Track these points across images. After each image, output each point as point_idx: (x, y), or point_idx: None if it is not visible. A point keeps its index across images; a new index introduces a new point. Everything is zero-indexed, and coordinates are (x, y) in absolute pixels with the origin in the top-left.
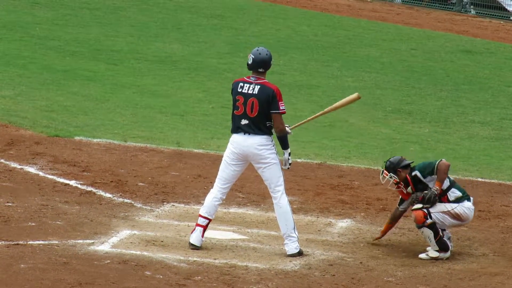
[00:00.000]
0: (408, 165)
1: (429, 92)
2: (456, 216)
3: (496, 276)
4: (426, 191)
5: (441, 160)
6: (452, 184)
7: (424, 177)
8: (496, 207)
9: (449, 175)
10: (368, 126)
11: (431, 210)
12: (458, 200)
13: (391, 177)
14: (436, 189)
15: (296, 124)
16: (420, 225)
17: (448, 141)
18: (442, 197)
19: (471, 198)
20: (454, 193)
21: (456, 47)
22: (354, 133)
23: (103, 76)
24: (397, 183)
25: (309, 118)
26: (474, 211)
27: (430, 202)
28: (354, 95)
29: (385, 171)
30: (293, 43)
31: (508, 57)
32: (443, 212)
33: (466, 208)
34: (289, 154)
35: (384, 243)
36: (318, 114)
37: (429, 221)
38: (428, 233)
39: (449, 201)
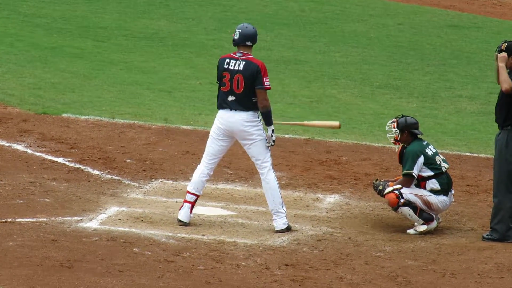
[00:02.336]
0: (415, 135)
1: (416, 67)
2: (426, 204)
3: (484, 250)
4: (382, 184)
5: (411, 176)
6: (436, 176)
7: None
8: (484, 182)
9: (442, 164)
10: (356, 101)
11: (403, 191)
12: (434, 192)
13: (395, 132)
14: (388, 186)
15: (279, 122)
16: (395, 207)
17: (436, 116)
18: (420, 182)
19: (452, 191)
20: (432, 185)
21: (443, 22)
22: (341, 108)
23: (90, 53)
24: (396, 140)
25: (286, 122)
26: (449, 205)
27: (376, 191)
28: (336, 123)
29: (395, 123)
30: (280, 19)
31: (495, 32)
32: (416, 195)
33: (440, 201)
34: (273, 130)
35: (373, 218)
36: (295, 122)
37: (402, 200)
38: (406, 211)
39: (425, 189)
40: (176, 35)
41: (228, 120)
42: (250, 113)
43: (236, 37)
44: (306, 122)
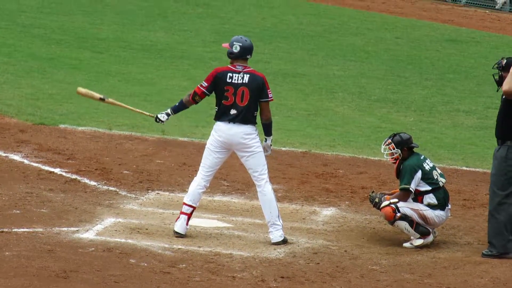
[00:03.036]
0: (411, 148)
1: (414, 81)
2: (423, 218)
3: (480, 264)
4: (378, 197)
5: (408, 191)
6: (433, 191)
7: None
8: (481, 196)
9: (439, 178)
10: (353, 114)
11: (399, 205)
12: (431, 206)
13: (397, 153)
14: (385, 199)
15: None
16: (392, 221)
17: (433, 130)
18: (418, 196)
19: (448, 206)
20: (430, 199)
21: (441, 36)
22: (339, 121)
23: (88, 64)
24: (396, 159)
25: None
26: (445, 219)
27: (372, 204)
28: (149, 114)
29: (393, 144)
30: (278, 32)
31: (493, 46)
32: (412, 209)
33: (436, 215)
34: (271, 140)
35: (369, 231)
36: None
37: (398, 214)
38: (403, 225)
39: (422, 203)
40: (174, 47)
41: (227, 132)
42: (249, 126)
43: (236, 51)
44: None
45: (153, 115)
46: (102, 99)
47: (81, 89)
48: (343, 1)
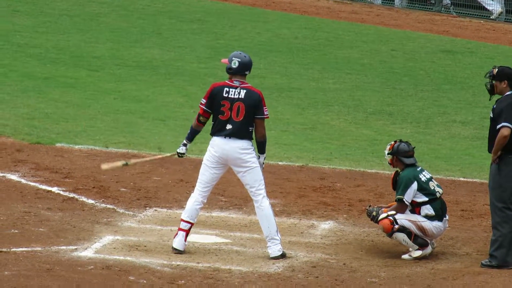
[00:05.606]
0: (403, 163)
1: (410, 92)
2: (421, 229)
3: (479, 275)
4: (375, 210)
5: (403, 202)
6: (430, 202)
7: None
8: (479, 206)
9: (436, 189)
10: (350, 127)
11: (397, 216)
12: (428, 218)
13: (387, 156)
14: (382, 212)
15: None
16: (390, 233)
17: (429, 141)
18: (415, 207)
19: (446, 217)
20: (427, 210)
21: (437, 47)
22: (335, 135)
23: (84, 83)
24: (390, 163)
25: None
26: (443, 230)
27: (369, 218)
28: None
29: (391, 147)
30: (273, 46)
31: (488, 57)
32: (410, 221)
33: (434, 226)
34: (264, 158)
35: (367, 244)
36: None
37: (396, 226)
38: (401, 236)
39: (420, 215)
40: (169, 63)
41: (223, 147)
42: (245, 141)
43: (234, 66)
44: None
45: (174, 153)
46: (125, 164)
47: (105, 166)
48: (338, 14)
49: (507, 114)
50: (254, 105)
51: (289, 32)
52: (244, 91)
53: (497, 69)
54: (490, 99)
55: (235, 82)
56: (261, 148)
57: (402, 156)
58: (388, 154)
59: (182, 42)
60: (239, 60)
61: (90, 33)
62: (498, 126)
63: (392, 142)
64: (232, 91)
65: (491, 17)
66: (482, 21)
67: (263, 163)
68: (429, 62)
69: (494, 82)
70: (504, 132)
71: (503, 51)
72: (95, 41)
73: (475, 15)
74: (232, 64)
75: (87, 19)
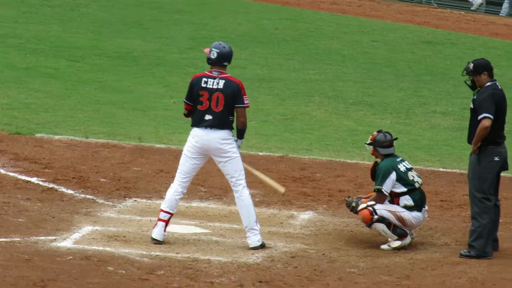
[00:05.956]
0: (384, 154)
1: (390, 83)
2: (400, 220)
3: (458, 265)
4: (355, 201)
5: (382, 192)
6: (409, 192)
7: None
8: (458, 197)
9: (415, 180)
10: (330, 118)
11: (377, 207)
12: (407, 208)
13: (368, 146)
14: (361, 202)
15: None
16: (369, 223)
17: (410, 132)
18: (394, 198)
19: (425, 207)
20: (406, 201)
21: (417, 38)
22: (315, 125)
23: (64, 73)
24: (372, 153)
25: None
26: (422, 221)
27: (349, 209)
28: (282, 190)
29: (371, 136)
30: (254, 37)
31: (469, 48)
32: (389, 211)
33: (413, 217)
34: (241, 143)
35: (347, 234)
36: (252, 171)
37: (376, 216)
38: (380, 227)
39: (399, 205)
40: (150, 54)
41: (204, 138)
42: (226, 131)
43: (213, 57)
44: (255, 173)
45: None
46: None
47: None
48: (319, 5)
49: (487, 105)
50: (233, 95)
51: (270, 22)
52: (223, 81)
53: (472, 64)
54: (474, 94)
55: (214, 72)
56: (240, 135)
57: (378, 147)
58: (367, 144)
59: (163, 32)
60: (218, 51)
61: (71, 24)
62: (479, 117)
63: (375, 133)
64: (210, 81)
65: (472, 8)
66: (462, 12)
67: (239, 146)
68: (409, 53)
69: (473, 77)
70: (485, 123)
71: (484, 42)
72: (76, 31)
73: (455, 6)
74: (211, 54)
75: (68, 10)
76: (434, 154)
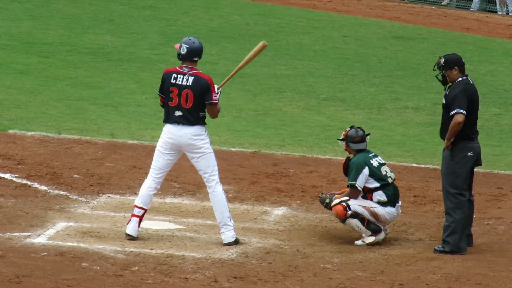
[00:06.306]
0: (356, 149)
1: (362, 79)
2: (374, 215)
3: (432, 260)
4: (328, 197)
5: (355, 188)
6: (382, 187)
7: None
8: (431, 192)
9: (388, 175)
10: (302, 114)
11: (350, 202)
12: (381, 203)
13: (341, 143)
14: (335, 198)
15: (222, 83)
16: (343, 218)
17: (382, 127)
18: (367, 193)
19: (399, 203)
20: (379, 196)
21: (388, 34)
22: (287, 121)
23: (35, 69)
24: (345, 149)
25: (231, 74)
26: (396, 216)
27: (323, 205)
28: (261, 43)
29: (344, 132)
30: (225, 32)
31: (440, 42)
32: (363, 207)
33: (387, 212)
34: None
35: (321, 230)
36: (237, 68)
37: (349, 212)
38: (354, 222)
39: (372, 201)
40: (121, 50)
41: (176, 134)
42: (197, 127)
43: (183, 52)
44: (241, 64)
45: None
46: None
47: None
48: (289, 0)
49: (460, 101)
50: (202, 92)
51: (241, 18)
52: (192, 77)
53: (444, 59)
54: (445, 89)
55: (184, 68)
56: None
57: (350, 142)
58: (340, 140)
59: (134, 28)
60: (187, 46)
61: (41, 20)
62: (452, 113)
63: (348, 128)
64: (180, 77)
65: (442, 3)
66: (433, 7)
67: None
68: (381, 48)
69: (444, 72)
70: (458, 118)
71: (455, 37)
72: (47, 27)
73: (426, 1)
74: (181, 50)
75: (38, 5)
76: (406, 150)
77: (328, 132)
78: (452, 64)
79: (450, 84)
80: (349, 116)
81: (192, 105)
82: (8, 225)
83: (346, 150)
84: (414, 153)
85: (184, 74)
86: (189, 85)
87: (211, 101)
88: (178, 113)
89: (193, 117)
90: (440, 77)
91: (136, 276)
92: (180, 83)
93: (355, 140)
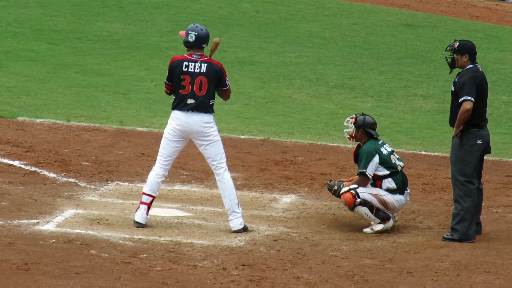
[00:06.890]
0: (370, 135)
1: (371, 66)
2: (383, 203)
3: (441, 248)
4: (337, 184)
5: (366, 176)
6: (392, 175)
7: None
8: (440, 180)
9: (397, 163)
10: (311, 101)
11: (359, 190)
12: (390, 191)
13: (351, 128)
14: (344, 186)
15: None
16: (352, 206)
17: (391, 115)
18: (376, 181)
19: (407, 190)
20: (388, 183)
21: (398, 21)
22: (297, 108)
23: (45, 56)
24: (351, 136)
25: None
26: (405, 204)
27: (331, 192)
28: (216, 39)
29: (353, 119)
30: (234, 20)
31: (449, 30)
32: (372, 194)
33: (396, 200)
34: None
35: (329, 217)
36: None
37: (358, 200)
38: (363, 210)
39: (381, 188)
40: (131, 37)
41: (186, 121)
42: (208, 114)
43: (191, 40)
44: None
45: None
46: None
47: None
48: None
49: (469, 88)
50: (216, 78)
51: (251, 5)
52: (205, 64)
53: (458, 43)
54: (450, 73)
55: (194, 56)
56: None
57: (369, 129)
58: (354, 126)
59: (143, 15)
60: (196, 33)
61: (51, 7)
62: (460, 100)
63: (354, 116)
64: (192, 65)
65: None
66: None
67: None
68: (390, 36)
69: (455, 56)
70: (467, 105)
71: (464, 24)
72: (56, 14)
73: None
74: (189, 37)
75: None
76: (415, 137)
77: (337, 120)
78: (464, 50)
79: (457, 69)
80: (358, 104)
81: (206, 92)
82: (16, 212)
83: (353, 138)
84: (423, 141)
85: (195, 62)
86: (203, 72)
87: (225, 87)
88: (190, 101)
89: (205, 105)
90: (449, 59)
91: (145, 263)
92: (192, 70)
93: (374, 127)
